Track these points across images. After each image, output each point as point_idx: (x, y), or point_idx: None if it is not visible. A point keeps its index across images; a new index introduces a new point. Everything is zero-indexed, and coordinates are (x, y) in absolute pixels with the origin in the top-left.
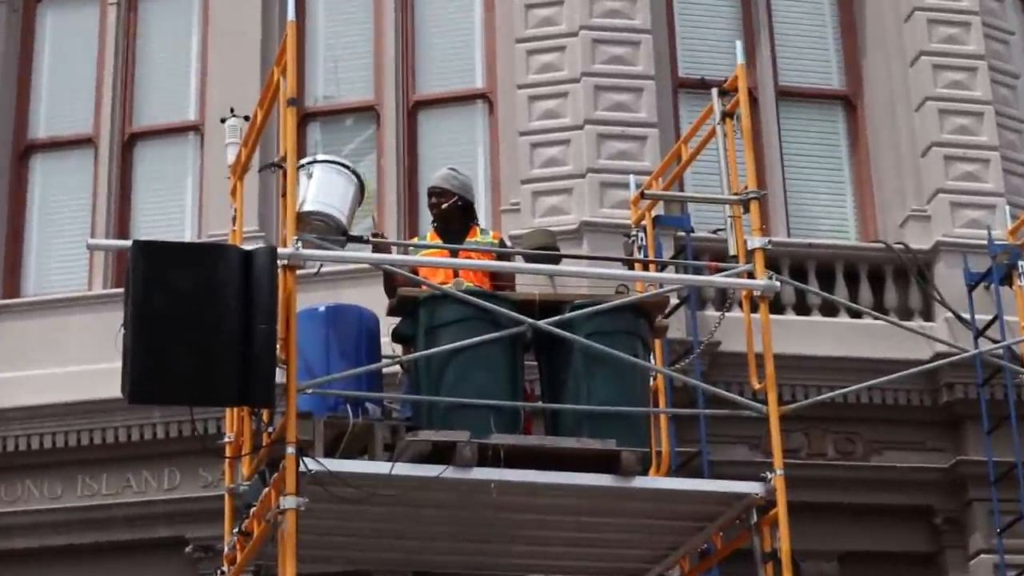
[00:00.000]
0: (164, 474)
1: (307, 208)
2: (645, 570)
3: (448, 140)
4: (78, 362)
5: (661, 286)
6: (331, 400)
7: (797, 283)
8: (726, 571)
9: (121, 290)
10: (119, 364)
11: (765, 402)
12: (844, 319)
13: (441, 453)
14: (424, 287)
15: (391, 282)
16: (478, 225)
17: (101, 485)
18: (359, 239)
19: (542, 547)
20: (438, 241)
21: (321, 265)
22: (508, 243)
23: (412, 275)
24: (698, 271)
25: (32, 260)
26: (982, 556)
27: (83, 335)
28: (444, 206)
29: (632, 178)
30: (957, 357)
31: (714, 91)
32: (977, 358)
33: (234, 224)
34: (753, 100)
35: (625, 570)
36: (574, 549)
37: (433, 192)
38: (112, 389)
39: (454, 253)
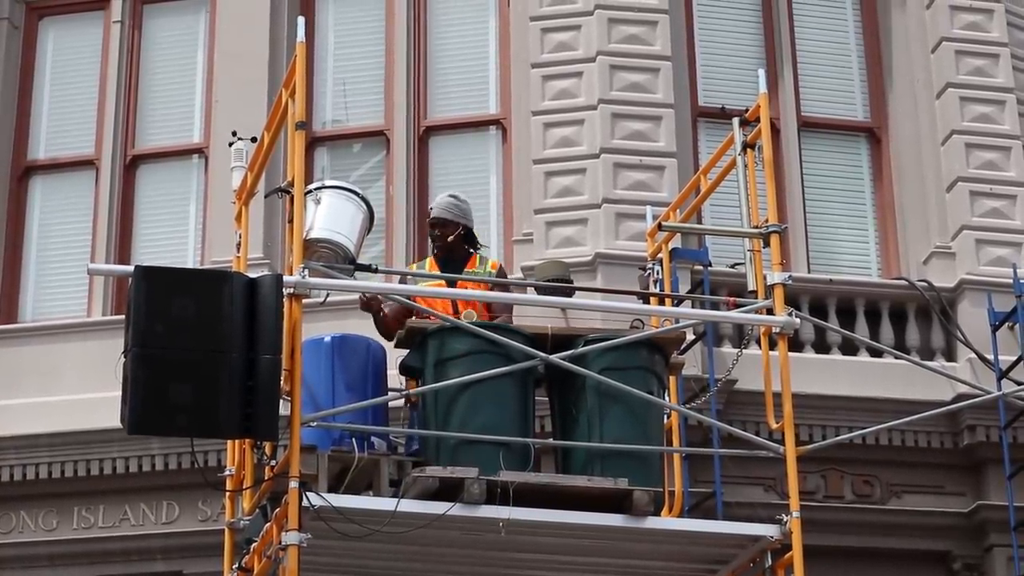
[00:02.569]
0: (163, 507)
1: (314, 235)
2: None
3: (460, 167)
4: (75, 391)
5: (677, 321)
6: (336, 433)
7: (817, 320)
8: None
9: (121, 317)
10: (118, 393)
11: (782, 442)
12: (864, 358)
13: (449, 490)
14: (433, 318)
15: (381, 321)
16: (478, 253)
17: (97, 517)
18: (367, 268)
19: None
20: (436, 269)
21: (328, 294)
22: (520, 272)
23: (420, 306)
24: (715, 306)
25: (30, 285)
26: None
27: (81, 363)
28: (449, 239)
29: (649, 209)
30: (979, 399)
31: (735, 120)
32: (1000, 400)
33: (238, 250)
34: (775, 131)
35: None
36: None
37: (436, 224)
38: (110, 419)
39: (452, 284)
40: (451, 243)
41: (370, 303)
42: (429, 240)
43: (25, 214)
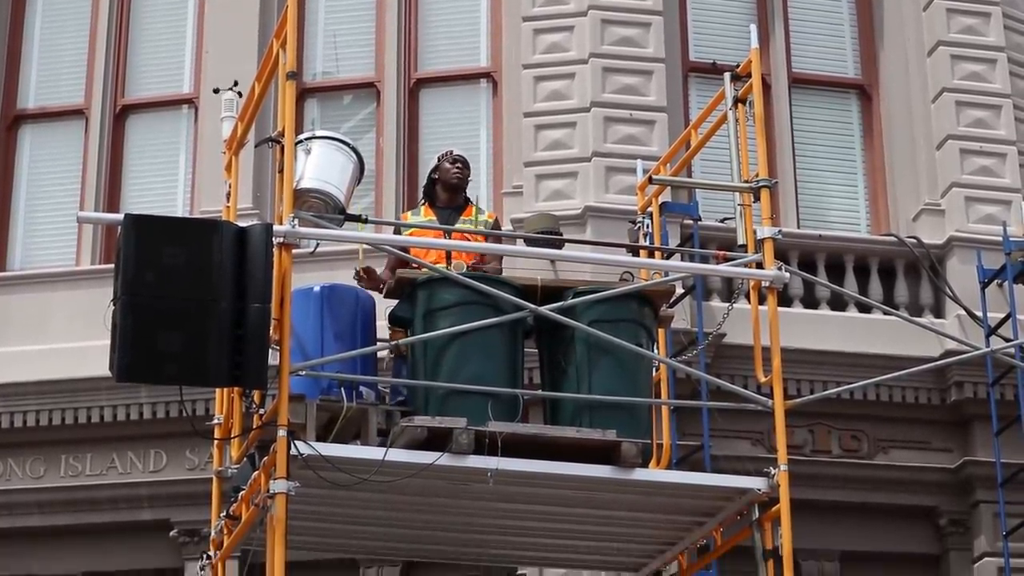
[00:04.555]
0: (150, 455)
1: (305, 185)
2: (642, 564)
3: (450, 120)
4: (64, 339)
5: (667, 274)
6: (324, 383)
7: (806, 275)
8: (725, 568)
9: (109, 266)
10: (106, 342)
11: (770, 396)
12: (853, 313)
13: (437, 440)
14: (420, 267)
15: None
16: (474, 204)
17: (85, 465)
18: (357, 218)
19: (537, 539)
20: (432, 216)
21: (317, 244)
22: (510, 225)
23: (410, 256)
24: (705, 260)
25: (19, 233)
26: (987, 559)
27: (70, 311)
28: (469, 180)
29: (639, 163)
30: (967, 355)
31: (726, 76)
32: (988, 357)
33: (228, 200)
34: (766, 87)
35: (622, 564)
36: (570, 541)
37: (462, 162)
38: (98, 367)
39: (447, 234)
40: (465, 184)
41: (362, 275)
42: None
43: (14, 163)
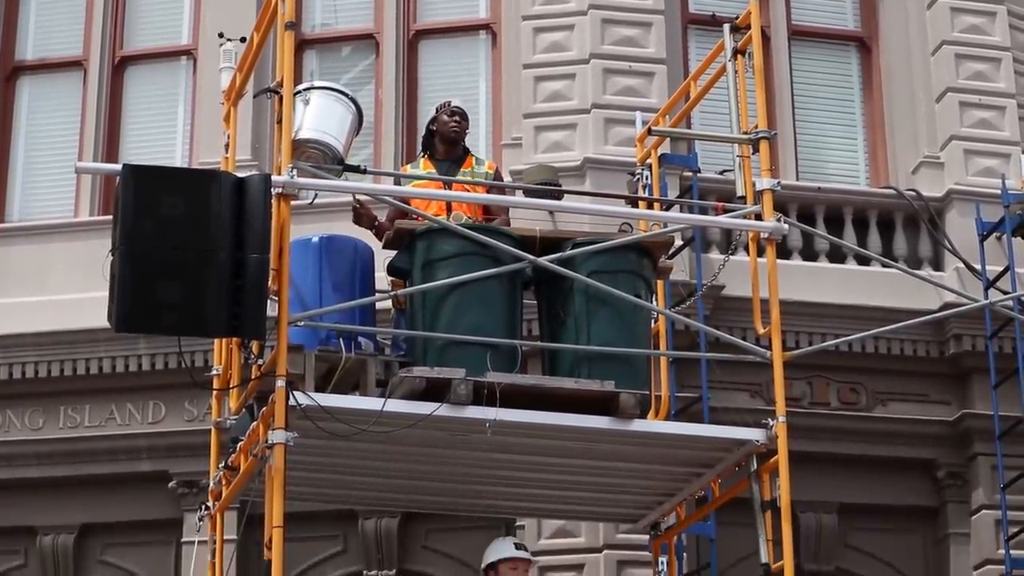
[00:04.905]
0: (149, 407)
1: (303, 136)
2: (640, 516)
3: (449, 71)
4: (62, 290)
5: (665, 225)
6: (323, 333)
7: (805, 226)
8: (723, 520)
9: (109, 217)
10: (104, 293)
11: (769, 347)
12: (852, 266)
13: (435, 390)
14: (422, 219)
15: (378, 231)
16: (473, 155)
17: (83, 417)
18: (356, 168)
19: (536, 489)
20: (432, 168)
21: (316, 195)
22: (509, 176)
23: (409, 207)
24: (704, 211)
25: (17, 185)
26: (984, 512)
27: (68, 263)
28: (466, 132)
29: (638, 115)
30: (966, 307)
31: (725, 27)
32: (987, 309)
33: (226, 152)
34: (765, 38)
35: (620, 515)
36: (568, 493)
37: (460, 114)
38: (96, 319)
39: (448, 185)
40: (463, 136)
41: (362, 217)
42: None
43: (12, 115)
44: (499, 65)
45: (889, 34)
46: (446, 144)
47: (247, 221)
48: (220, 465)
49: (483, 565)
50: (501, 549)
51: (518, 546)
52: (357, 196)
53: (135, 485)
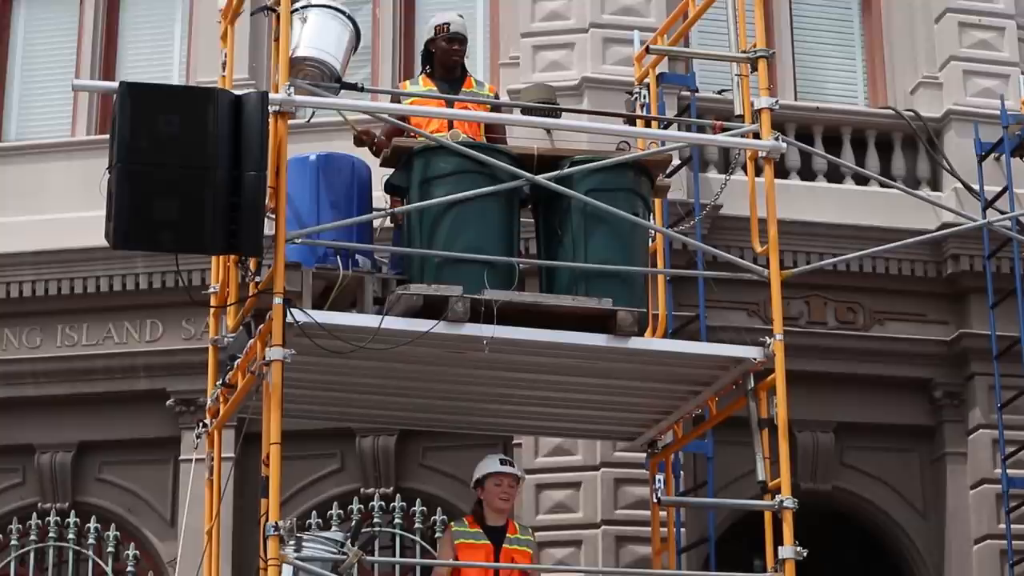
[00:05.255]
0: (146, 325)
1: (300, 53)
2: (637, 433)
3: None
4: (59, 209)
5: (663, 144)
6: (321, 251)
7: (803, 145)
8: (720, 438)
9: (105, 137)
10: (102, 212)
11: (767, 266)
12: (850, 186)
13: (433, 308)
14: (416, 136)
15: (378, 151)
16: (473, 76)
17: (81, 335)
18: (353, 86)
19: (533, 407)
20: (432, 87)
21: (313, 113)
22: (507, 96)
23: (407, 125)
24: (702, 130)
25: (14, 104)
26: (981, 431)
27: (65, 182)
28: (465, 56)
29: (636, 34)
30: (964, 227)
31: None
32: (984, 229)
33: (224, 71)
34: None
35: (617, 433)
36: (565, 410)
37: (458, 39)
38: (94, 237)
39: (449, 104)
40: (462, 60)
41: (362, 137)
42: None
43: (9, 35)
44: None
45: None
46: (445, 69)
47: (244, 139)
48: (217, 383)
49: (472, 481)
50: (487, 465)
51: (503, 461)
52: (357, 127)
53: (133, 403)
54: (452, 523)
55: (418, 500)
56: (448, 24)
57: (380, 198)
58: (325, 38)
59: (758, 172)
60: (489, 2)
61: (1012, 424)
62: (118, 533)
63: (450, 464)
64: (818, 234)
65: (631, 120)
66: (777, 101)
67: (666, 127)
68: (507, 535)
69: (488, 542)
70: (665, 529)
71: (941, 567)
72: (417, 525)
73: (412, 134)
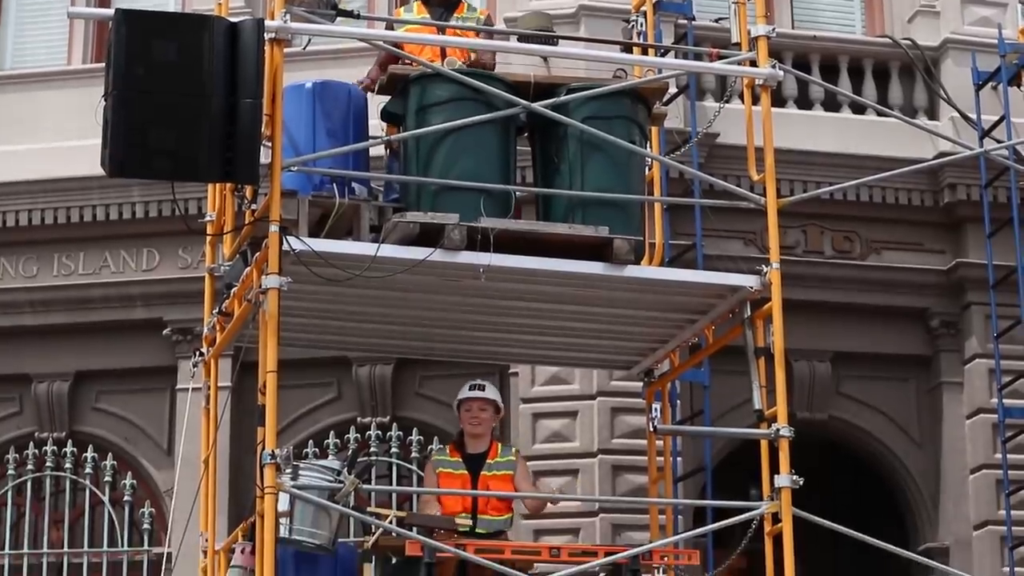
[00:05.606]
0: (143, 254)
1: None
2: (633, 362)
3: None
4: (55, 138)
5: (660, 72)
6: (317, 179)
7: (800, 73)
8: (716, 367)
9: (101, 66)
10: (98, 141)
11: (763, 194)
12: (847, 115)
13: (429, 236)
14: (415, 64)
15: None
16: (465, 1)
17: (78, 265)
18: (349, 14)
19: (529, 336)
20: (425, 13)
21: (309, 41)
22: (504, 24)
23: (402, 52)
24: (698, 58)
25: (10, 33)
26: (978, 360)
27: (61, 110)
28: None
29: None
30: (961, 155)
31: None
32: (981, 158)
33: None
34: None
35: (614, 361)
36: (562, 339)
37: None
38: (90, 166)
39: (441, 30)
40: None
41: (370, 88)
42: None
43: None
44: None
45: None
46: None
47: (240, 66)
48: (214, 311)
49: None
50: (459, 392)
51: (473, 386)
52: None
53: (129, 332)
54: (434, 452)
55: (414, 429)
56: None
57: (377, 127)
58: None
59: (755, 100)
60: None
61: (1008, 354)
62: (115, 462)
63: (446, 393)
64: (815, 163)
65: (628, 48)
66: (774, 29)
67: (663, 55)
68: (486, 461)
69: (465, 471)
70: (661, 458)
71: (937, 496)
72: (413, 454)
73: (408, 61)
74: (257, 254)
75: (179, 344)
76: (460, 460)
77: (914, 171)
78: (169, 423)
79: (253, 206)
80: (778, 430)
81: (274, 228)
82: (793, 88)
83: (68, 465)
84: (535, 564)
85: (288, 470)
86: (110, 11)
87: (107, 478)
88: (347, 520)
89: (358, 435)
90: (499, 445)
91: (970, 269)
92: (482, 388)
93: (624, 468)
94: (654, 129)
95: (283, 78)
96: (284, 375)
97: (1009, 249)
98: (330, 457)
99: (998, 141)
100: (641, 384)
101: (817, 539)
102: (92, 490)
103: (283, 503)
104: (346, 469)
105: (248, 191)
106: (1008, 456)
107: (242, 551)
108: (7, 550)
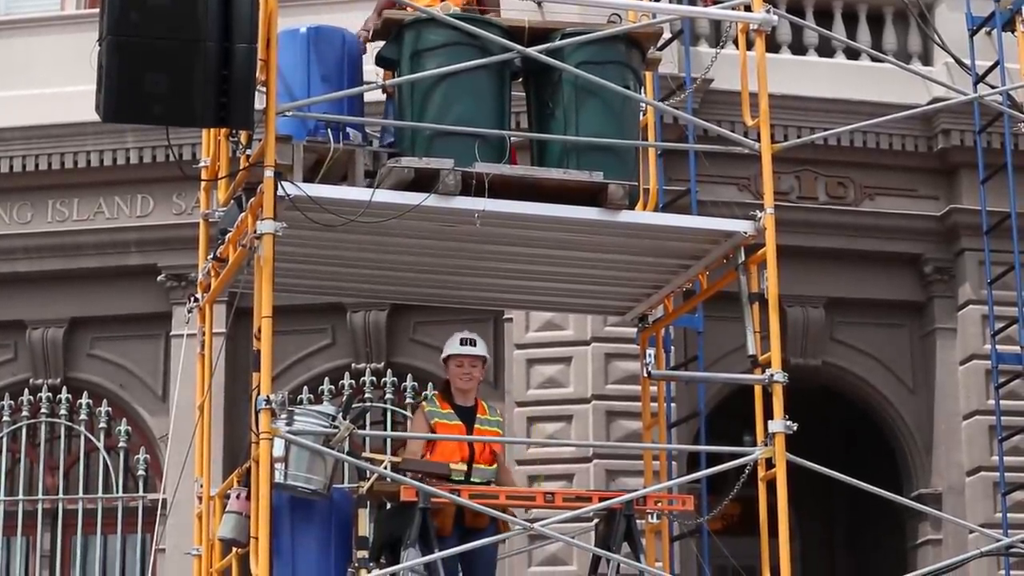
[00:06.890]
0: (137, 200)
1: None
2: (628, 308)
3: None
4: (49, 84)
5: (654, 16)
6: (312, 124)
7: (795, 18)
8: (710, 312)
9: (95, 11)
10: (92, 87)
11: (757, 140)
12: (841, 60)
13: (424, 181)
14: (410, 9)
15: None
16: None
17: (72, 210)
18: None
19: (524, 282)
20: None
21: None
22: None
23: None
24: (693, 3)
25: None
26: (971, 306)
27: (56, 56)
28: None
29: None
30: (954, 101)
31: None
32: (975, 103)
33: None
34: None
35: (608, 307)
36: (556, 284)
37: None
38: (84, 112)
39: None
40: None
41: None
42: None
43: None
44: None
45: None
46: None
47: (235, 11)
48: (209, 257)
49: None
50: (449, 346)
51: (464, 341)
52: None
53: (124, 278)
54: (424, 402)
55: (409, 375)
56: None
57: (372, 72)
58: None
59: (749, 46)
60: None
61: (1002, 300)
62: (110, 409)
63: (441, 339)
64: (809, 108)
65: None
66: None
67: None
68: (477, 415)
69: (460, 422)
70: (655, 404)
71: (930, 442)
72: (408, 400)
73: (403, 6)
74: (252, 199)
75: (173, 290)
76: (452, 411)
77: (908, 117)
78: (164, 369)
79: (248, 151)
80: (772, 375)
81: (269, 173)
82: (787, 33)
83: (63, 412)
84: (530, 509)
85: (283, 415)
86: None
87: (102, 424)
88: (342, 466)
89: (353, 381)
90: (484, 403)
91: (964, 215)
92: (473, 344)
93: (618, 414)
94: (648, 74)
95: (278, 23)
96: (278, 321)
97: (1003, 195)
98: (325, 403)
99: (992, 87)
100: (635, 330)
101: (811, 485)
102: (87, 436)
103: (278, 448)
104: (341, 414)
105: (243, 136)
106: (1001, 402)
107: (237, 497)
108: (2, 496)
